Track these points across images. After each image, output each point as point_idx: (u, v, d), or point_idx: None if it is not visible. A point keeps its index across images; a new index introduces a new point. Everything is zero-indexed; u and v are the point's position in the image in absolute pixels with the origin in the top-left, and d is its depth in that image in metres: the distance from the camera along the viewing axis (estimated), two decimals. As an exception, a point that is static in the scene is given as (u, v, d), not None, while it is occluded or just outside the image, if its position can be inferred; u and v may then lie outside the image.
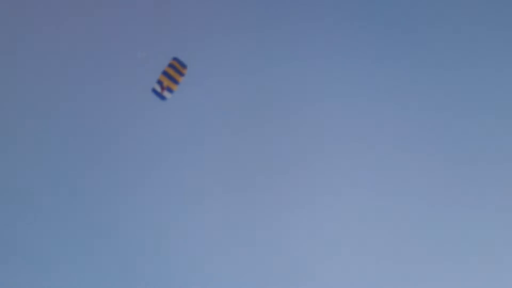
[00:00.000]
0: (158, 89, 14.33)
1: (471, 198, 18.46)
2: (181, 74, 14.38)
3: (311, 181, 18.62)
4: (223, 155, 18.65)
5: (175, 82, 14.36)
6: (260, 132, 18.84)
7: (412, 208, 18.52)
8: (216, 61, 18.70)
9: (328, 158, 18.80)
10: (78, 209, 17.84)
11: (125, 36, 18.41)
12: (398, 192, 18.57)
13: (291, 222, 18.31)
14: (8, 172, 17.79)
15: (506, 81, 19.13)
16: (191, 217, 18.17)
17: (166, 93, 14.38)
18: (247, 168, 18.64)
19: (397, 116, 19.02)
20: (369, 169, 18.70)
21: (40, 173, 18.06)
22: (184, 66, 14.40)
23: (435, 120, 18.99)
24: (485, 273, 17.68)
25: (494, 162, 18.66)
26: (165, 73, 14.28)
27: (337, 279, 17.85)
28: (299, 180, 18.61)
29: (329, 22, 19.29)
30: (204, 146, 18.66)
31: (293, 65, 18.99)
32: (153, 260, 17.53)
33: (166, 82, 14.28)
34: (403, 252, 18.15)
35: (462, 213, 18.39)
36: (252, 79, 18.95)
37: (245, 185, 18.49)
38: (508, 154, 18.68)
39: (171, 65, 14.33)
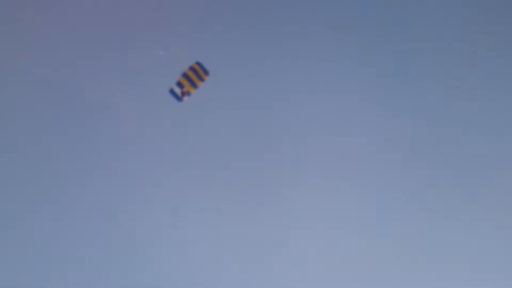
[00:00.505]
0: (178, 91, 14.44)
1: (463, 198, 18.49)
2: (202, 79, 14.37)
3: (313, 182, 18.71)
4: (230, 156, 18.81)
5: (194, 86, 14.39)
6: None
7: (409, 208, 18.57)
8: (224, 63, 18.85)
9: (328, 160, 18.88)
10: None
11: (145, 36, 18.57)
12: (393, 192, 18.60)
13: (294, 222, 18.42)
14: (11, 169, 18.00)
15: (504, 83, 19.11)
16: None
17: (184, 97, 14.61)
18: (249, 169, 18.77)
19: (395, 119, 19.08)
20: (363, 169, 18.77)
21: (43, 172, 18.31)
22: (206, 72, 14.40)
23: (432, 122, 19.01)
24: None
25: (490, 163, 18.66)
26: (185, 76, 14.29)
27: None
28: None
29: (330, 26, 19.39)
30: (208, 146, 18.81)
31: (298, 73, 19.08)
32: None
33: (187, 87, 14.34)
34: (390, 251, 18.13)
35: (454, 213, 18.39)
36: (256, 81, 19.12)
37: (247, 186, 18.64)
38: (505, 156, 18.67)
39: (192, 69, 14.32)
